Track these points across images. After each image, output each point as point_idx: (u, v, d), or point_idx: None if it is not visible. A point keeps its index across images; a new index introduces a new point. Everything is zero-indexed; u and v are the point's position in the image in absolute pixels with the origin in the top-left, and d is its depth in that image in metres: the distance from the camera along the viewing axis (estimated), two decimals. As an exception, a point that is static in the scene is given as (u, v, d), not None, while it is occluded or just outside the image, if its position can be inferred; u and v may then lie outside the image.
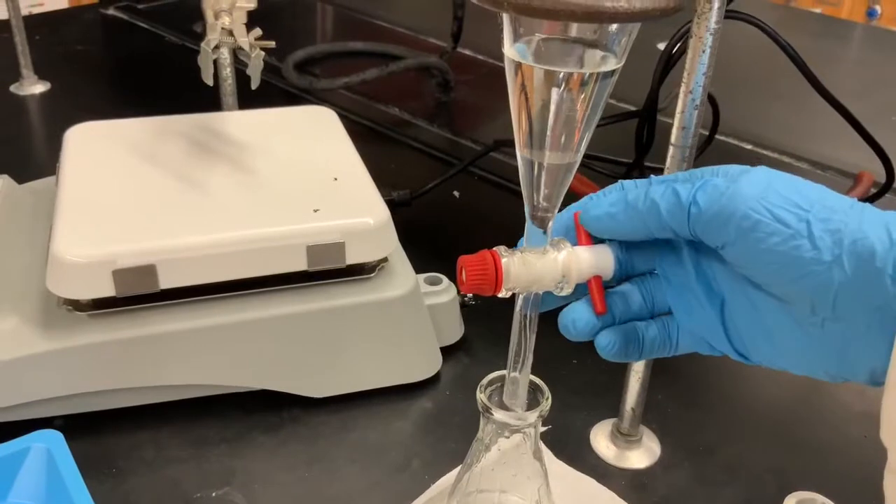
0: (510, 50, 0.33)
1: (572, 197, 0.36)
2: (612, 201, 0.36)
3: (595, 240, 0.37)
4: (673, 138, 0.46)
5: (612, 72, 0.33)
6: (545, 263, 0.36)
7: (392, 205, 0.60)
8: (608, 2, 0.29)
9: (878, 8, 2.49)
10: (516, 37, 0.32)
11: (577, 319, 0.37)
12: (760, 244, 0.32)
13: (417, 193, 0.82)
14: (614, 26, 0.31)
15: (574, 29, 0.31)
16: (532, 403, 0.40)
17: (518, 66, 0.32)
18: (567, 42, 0.32)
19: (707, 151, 0.82)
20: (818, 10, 2.41)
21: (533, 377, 0.39)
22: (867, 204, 0.32)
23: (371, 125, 1.00)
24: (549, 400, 0.39)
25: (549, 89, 0.32)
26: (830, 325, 0.32)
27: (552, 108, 0.33)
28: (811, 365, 0.34)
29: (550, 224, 0.37)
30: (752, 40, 0.74)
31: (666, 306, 0.38)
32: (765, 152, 0.98)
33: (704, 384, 0.64)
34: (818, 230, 0.31)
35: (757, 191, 0.32)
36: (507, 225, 0.73)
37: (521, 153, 0.35)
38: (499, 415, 0.38)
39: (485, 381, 0.40)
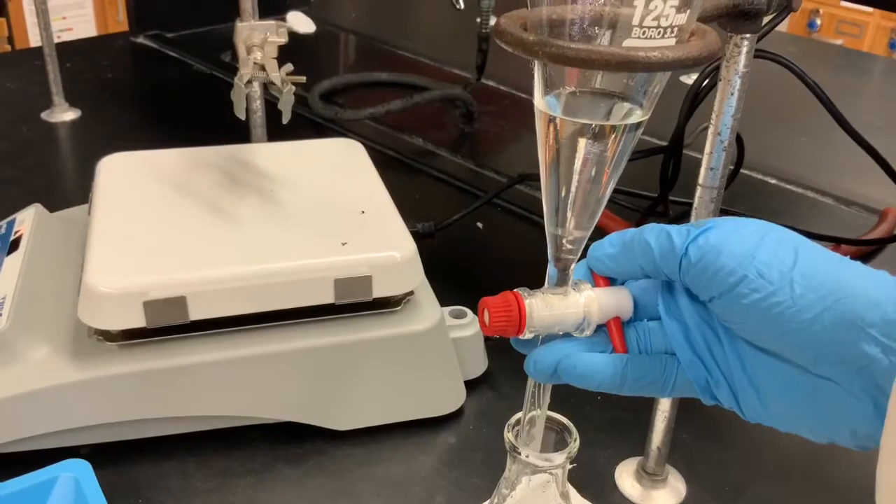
0: (541, 102, 0.33)
1: (599, 232, 0.37)
2: (611, 241, 0.36)
3: (612, 282, 0.37)
4: (701, 179, 0.47)
5: (641, 123, 0.33)
6: (567, 305, 0.36)
7: (416, 236, 0.61)
8: (642, 51, 0.29)
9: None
10: (547, 89, 0.33)
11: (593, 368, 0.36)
12: (743, 300, 0.32)
13: (441, 225, 0.82)
14: (645, 76, 0.32)
15: (605, 80, 0.32)
16: (560, 444, 0.40)
17: (548, 118, 0.33)
18: (597, 94, 0.32)
19: (731, 186, 0.82)
20: (839, 42, 2.41)
21: (561, 417, 0.39)
22: (857, 262, 0.32)
23: (395, 155, 1.01)
24: (578, 441, 0.39)
25: (577, 140, 0.33)
26: (812, 382, 0.32)
27: (580, 157, 0.33)
28: (794, 421, 0.34)
29: (573, 266, 0.37)
30: (776, 75, 0.74)
31: (664, 346, 0.37)
32: (789, 187, 0.98)
33: (731, 423, 0.63)
34: (800, 288, 0.31)
35: (746, 247, 0.32)
36: (530, 258, 0.73)
37: (548, 220, 0.35)
38: (526, 455, 0.38)
39: (513, 420, 0.40)
